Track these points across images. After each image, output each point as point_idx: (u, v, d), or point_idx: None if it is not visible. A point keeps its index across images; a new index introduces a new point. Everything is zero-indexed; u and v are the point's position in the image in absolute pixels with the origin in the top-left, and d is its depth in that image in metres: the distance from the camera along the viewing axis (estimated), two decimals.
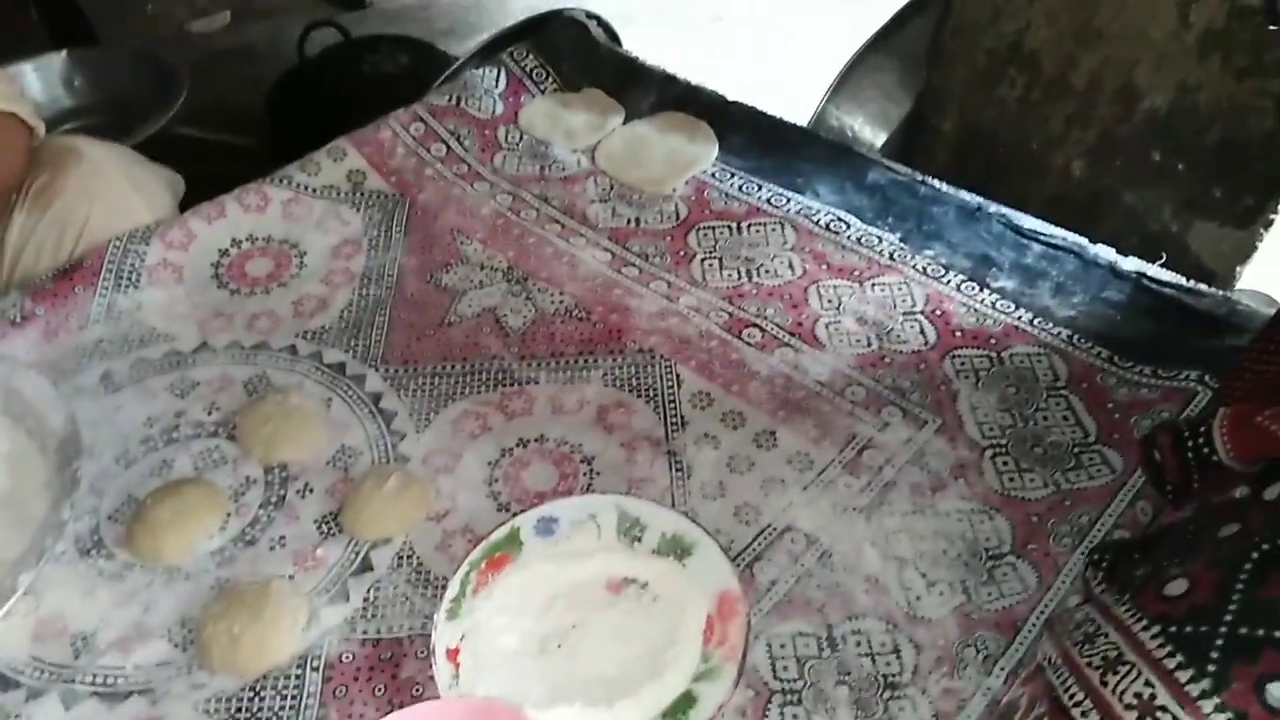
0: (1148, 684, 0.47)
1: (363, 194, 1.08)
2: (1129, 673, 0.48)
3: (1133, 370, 0.86)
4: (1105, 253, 0.96)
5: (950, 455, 0.80)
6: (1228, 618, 0.46)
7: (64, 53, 1.85)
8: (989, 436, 0.81)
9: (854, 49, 1.29)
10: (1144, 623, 0.49)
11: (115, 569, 0.75)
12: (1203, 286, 0.91)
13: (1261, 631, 0.45)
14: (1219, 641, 0.46)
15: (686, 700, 0.64)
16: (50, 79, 1.85)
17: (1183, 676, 0.46)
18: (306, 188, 1.07)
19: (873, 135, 1.27)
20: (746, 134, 1.15)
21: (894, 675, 0.66)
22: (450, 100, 1.18)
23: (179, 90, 1.70)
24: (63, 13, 2.08)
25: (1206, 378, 0.82)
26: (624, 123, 1.18)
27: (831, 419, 0.84)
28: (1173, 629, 0.47)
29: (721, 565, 0.69)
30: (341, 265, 1.01)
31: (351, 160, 1.11)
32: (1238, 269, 1.02)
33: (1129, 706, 0.47)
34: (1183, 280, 0.92)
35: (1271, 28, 0.43)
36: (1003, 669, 0.65)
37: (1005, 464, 0.79)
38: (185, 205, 1.09)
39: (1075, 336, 0.89)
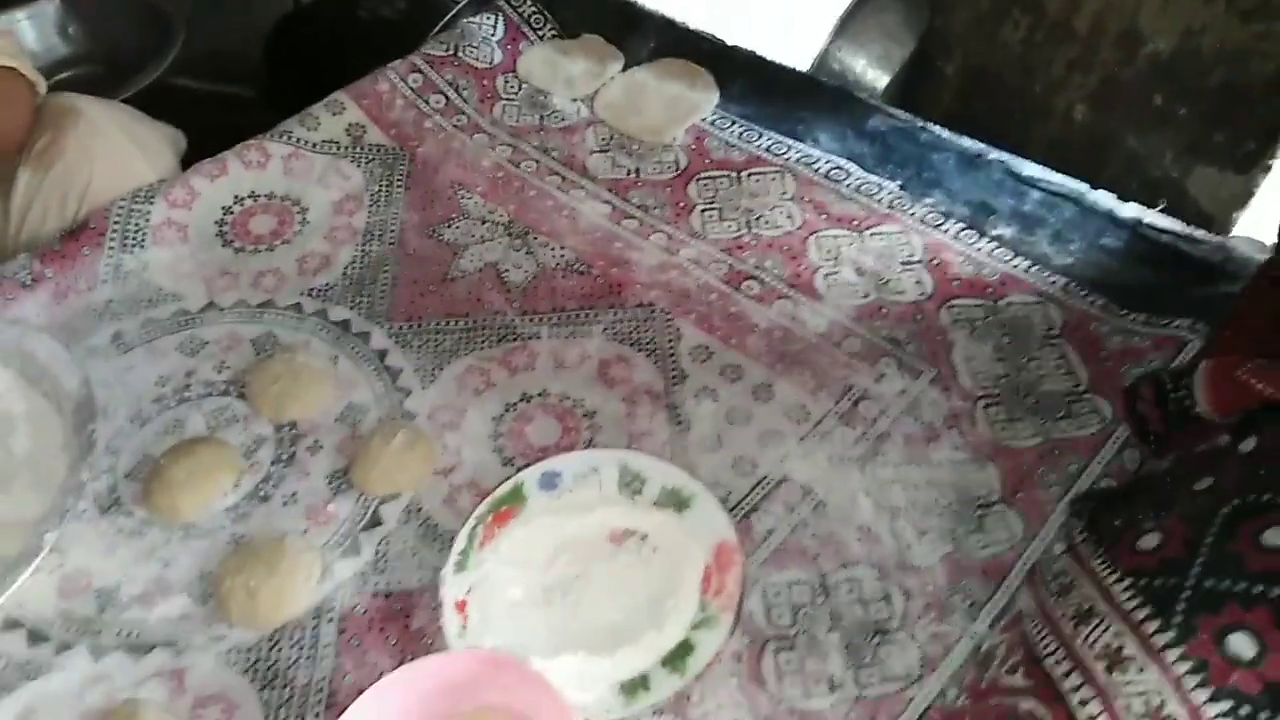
0: (1117, 634, 0.49)
1: (363, 148, 1.08)
2: (1100, 624, 0.50)
3: (1127, 318, 0.87)
4: (1104, 199, 0.96)
5: (944, 405, 0.82)
6: (1195, 570, 0.48)
7: None
8: (982, 386, 0.83)
9: None
10: (1116, 575, 0.51)
11: (134, 526, 0.77)
12: (1199, 233, 0.92)
13: (1227, 584, 0.47)
14: (1186, 593, 0.48)
15: (684, 648, 0.66)
16: (45, 26, 1.83)
17: (1150, 627, 0.48)
18: (306, 143, 1.07)
19: (875, 77, 1.26)
20: (747, 80, 1.14)
21: (884, 621, 0.69)
22: (448, 50, 1.18)
23: (175, 38, 1.68)
24: None
25: (1198, 325, 0.83)
26: (623, 69, 1.17)
27: (828, 370, 0.85)
28: (1143, 581, 0.49)
29: (719, 517, 0.71)
30: (344, 221, 1.01)
31: (351, 114, 1.11)
32: (1235, 215, 1.01)
33: (1098, 656, 0.49)
34: (1180, 227, 0.92)
35: None
36: (988, 615, 0.68)
37: (998, 413, 0.81)
38: (187, 159, 1.09)
39: (1071, 284, 0.90)
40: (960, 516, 0.74)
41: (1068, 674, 0.50)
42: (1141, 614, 0.48)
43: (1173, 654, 0.47)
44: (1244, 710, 0.45)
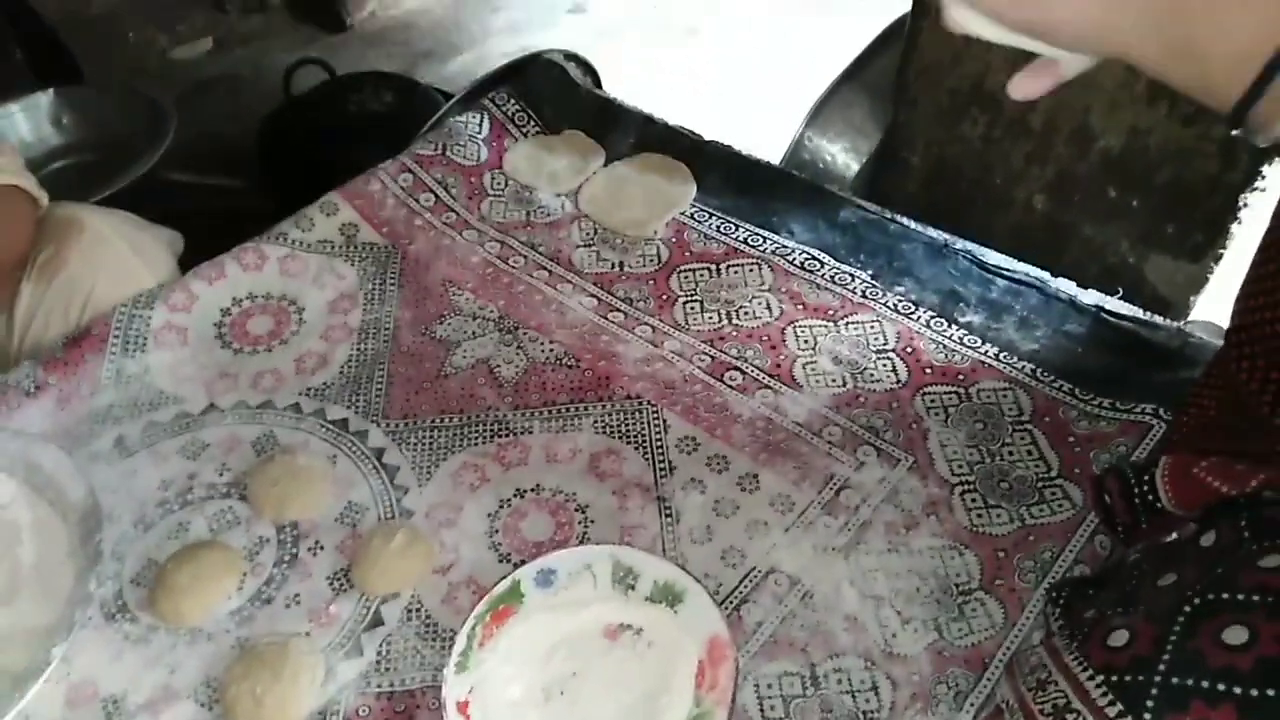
0: None
1: (356, 247, 1.12)
2: (1069, 713, 0.53)
3: (1093, 403, 0.91)
4: (1066, 286, 1.01)
5: (922, 493, 0.85)
6: (1161, 668, 0.51)
7: (51, 91, 1.87)
8: (958, 473, 0.87)
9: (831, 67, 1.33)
10: (1089, 672, 0.54)
11: (140, 632, 0.79)
12: (1158, 319, 0.96)
13: (1190, 681, 0.50)
14: (1154, 691, 0.51)
15: None
16: (38, 118, 1.88)
17: None
18: (301, 243, 1.11)
19: (846, 165, 1.32)
20: (723, 173, 1.19)
21: (873, 712, 0.71)
22: (436, 149, 1.22)
23: (167, 126, 1.73)
24: (46, 49, 2.10)
25: (1161, 411, 0.88)
26: (605, 164, 1.23)
27: (810, 460, 0.89)
28: (1114, 678, 0.52)
29: (710, 611, 0.74)
30: (339, 320, 1.05)
31: (344, 214, 1.15)
32: (1191, 299, 1.07)
33: None
34: (1140, 313, 0.97)
35: (1234, 133, 0.45)
36: (972, 705, 0.71)
37: (974, 500, 0.84)
38: (184, 249, 1.13)
39: (1039, 370, 0.94)
40: (942, 604, 0.77)
41: None
42: (1114, 710, 0.51)
43: None
44: None
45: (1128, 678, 0.52)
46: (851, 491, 0.86)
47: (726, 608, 0.77)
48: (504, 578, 0.76)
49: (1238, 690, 0.48)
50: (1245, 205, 1.00)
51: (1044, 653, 0.59)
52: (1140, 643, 0.53)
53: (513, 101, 1.29)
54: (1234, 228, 1.02)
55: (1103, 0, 0.44)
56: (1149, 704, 0.50)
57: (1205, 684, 0.49)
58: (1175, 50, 0.43)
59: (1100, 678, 0.53)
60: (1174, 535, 0.65)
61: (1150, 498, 0.66)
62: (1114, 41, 0.45)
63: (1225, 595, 0.52)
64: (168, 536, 0.85)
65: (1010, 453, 0.88)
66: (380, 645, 0.78)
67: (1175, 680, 0.50)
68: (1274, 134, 0.41)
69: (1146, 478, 0.66)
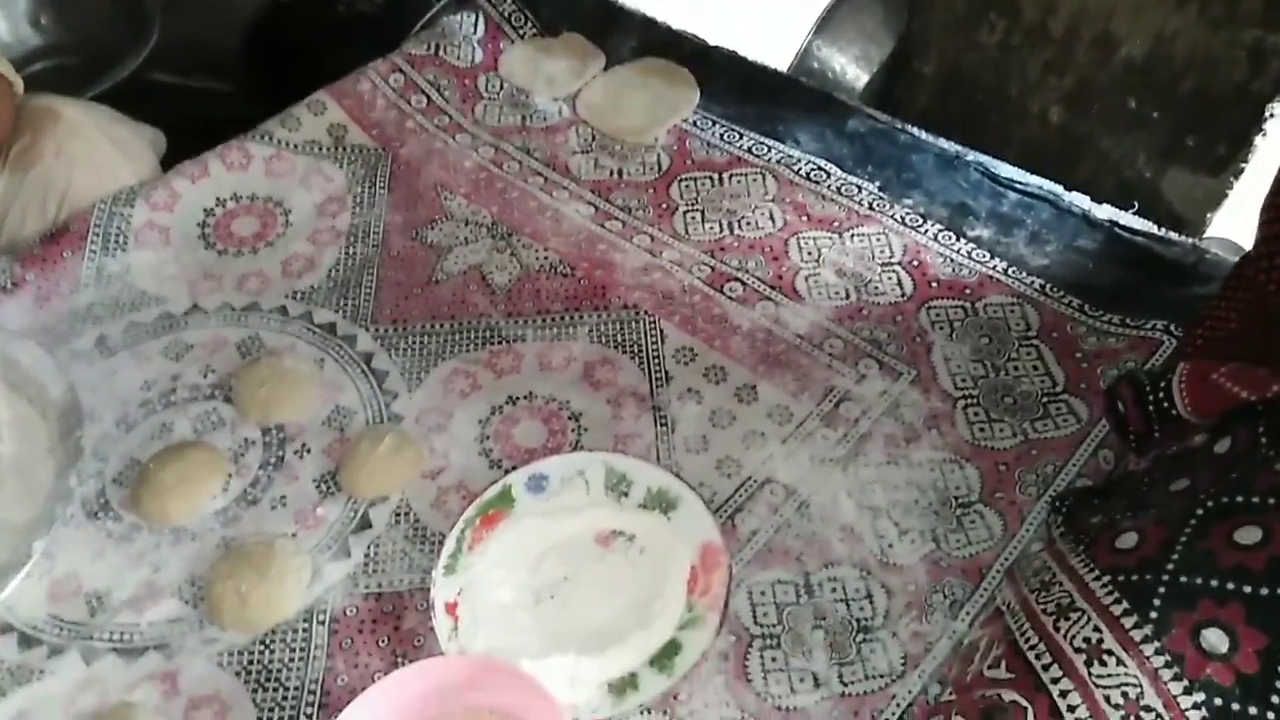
0: (1096, 629, 0.51)
1: (345, 149, 1.08)
2: (1079, 619, 0.52)
3: (1102, 319, 0.89)
4: (1079, 201, 0.98)
5: (924, 406, 0.83)
6: (1170, 567, 0.50)
7: None
8: (961, 387, 0.85)
9: None
10: (1095, 573, 0.53)
11: (123, 530, 0.78)
12: (1173, 235, 0.94)
13: (1199, 580, 0.49)
14: (1161, 590, 0.50)
15: (672, 648, 0.68)
16: (15, 17, 1.80)
17: (1127, 622, 0.50)
18: (288, 144, 1.07)
19: (855, 76, 1.27)
20: (728, 80, 1.15)
21: (867, 619, 0.70)
22: (429, 49, 1.17)
23: (150, 31, 1.66)
24: None
25: (1173, 327, 0.86)
26: (604, 69, 1.18)
27: (810, 372, 0.87)
28: (1121, 578, 0.51)
29: (704, 518, 0.73)
30: (327, 223, 1.01)
31: (332, 114, 1.10)
32: (1208, 215, 1.04)
33: (1078, 650, 0.51)
34: (1154, 229, 0.94)
35: None
36: (968, 614, 0.70)
37: (976, 414, 0.82)
38: (168, 155, 1.09)
39: (1048, 286, 0.92)
40: (940, 516, 0.76)
41: (1048, 666, 0.52)
42: (1119, 609, 0.50)
43: (1150, 648, 0.48)
44: (1217, 701, 0.47)
45: (1134, 577, 0.51)
46: (852, 404, 0.84)
47: (720, 516, 0.76)
48: (494, 482, 0.75)
49: (1247, 589, 0.47)
50: (1272, 115, 0.96)
51: (1047, 557, 0.58)
52: (1149, 544, 0.52)
53: (509, 1, 1.24)
54: (1258, 140, 0.98)
55: None
56: (1155, 602, 0.49)
57: (1214, 583, 0.48)
58: None
59: (1106, 578, 0.52)
60: (1181, 446, 0.63)
61: (1166, 405, 0.64)
62: None
63: (1240, 498, 0.50)
64: (150, 437, 0.83)
65: (1015, 368, 0.86)
66: (368, 547, 0.76)
67: (1184, 579, 0.49)
68: None
69: (1162, 385, 0.64)
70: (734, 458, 0.81)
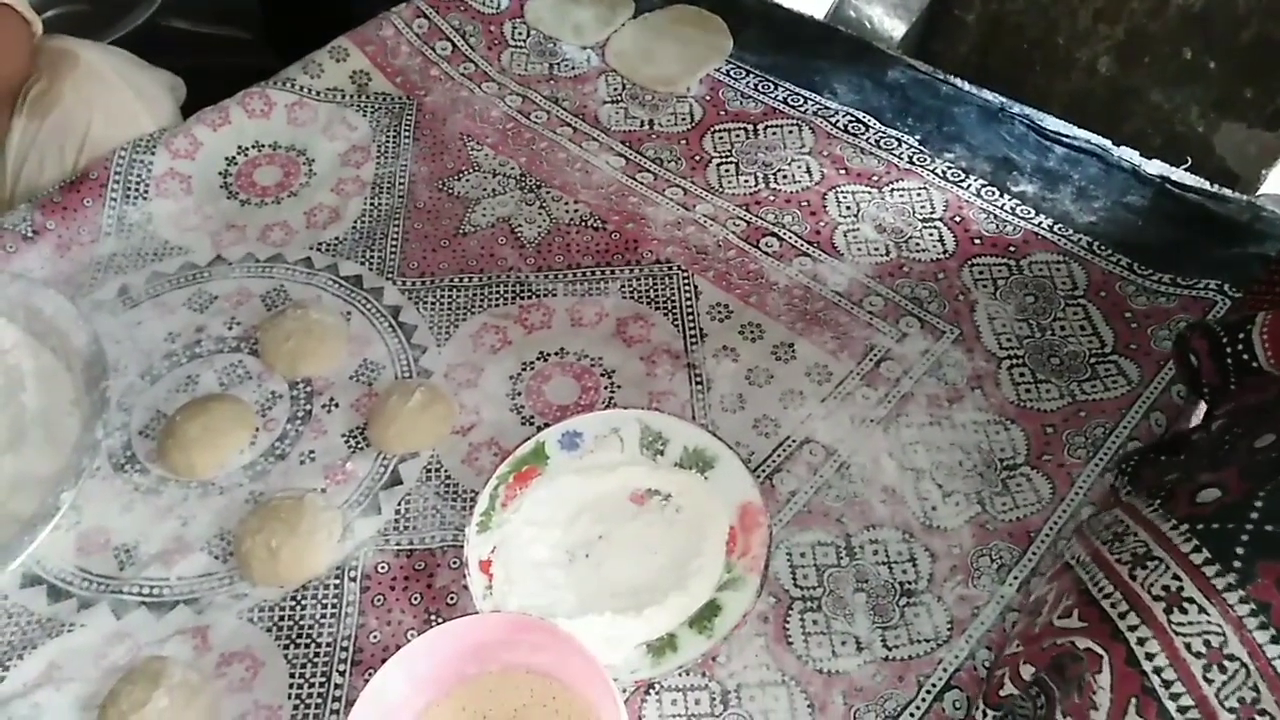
0: (1175, 577, 0.49)
1: (368, 97, 1.05)
2: (1157, 567, 0.50)
3: (1152, 278, 0.86)
4: (1129, 156, 0.95)
5: (967, 366, 0.81)
6: (1254, 516, 0.48)
7: None
8: (1006, 347, 0.82)
9: None
10: (1173, 522, 0.51)
11: (151, 484, 0.76)
12: (1227, 191, 0.90)
13: None
14: (1245, 538, 0.48)
15: (712, 609, 0.66)
16: None
17: (1209, 571, 0.48)
18: (310, 91, 1.04)
19: (892, 26, 1.23)
20: (762, 29, 1.11)
21: (910, 583, 0.69)
22: None
23: None
24: None
25: (1226, 287, 0.83)
26: (634, 15, 1.14)
27: (850, 330, 0.84)
28: (1200, 526, 0.49)
29: (743, 477, 0.71)
30: (351, 173, 0.99)
31: (355, 60, 1.07)
32: (1263, 171, 1.00)
33: (1156, 598, 0.49)
34: (1207, 185, 0.91)
35: None
36: (1016, 578, 0.68)
37: (1022, 375, 0.80)
38: (187, 103, 1.06)
39: (1095, 243, 0.89)
40: (985, 479, 0.74)
41: (1125, 614, 0.50)
42: (1199, 558, 0.48)
43: (1233, 596, 0.47)
44: None
45: (1215, 525, 0.49)
46: (893, 363, 0.82)
47: (759, 476, 0.74)
48: (527, 439, 0.73)
49: None
50: None
51: (1119, 511, 0.55)
52: (1231, 496, 0.50)
53: None
54: None
55: None
56: (1239, 550, 0.47)
57: None
58: None
59: (1185, 526, 0.50)
60: (1260, 400, 0.60)
61: (1245, 357, 0.61)
62: None
63: None
64: (176, 389, 0.82)
65: (1062, 327, 0.83)
66: (399, 504, 0.75)
67: (1269, 528, 0.47)
68: None
69: (1240, 336, 0.62)
70: (772, 417, 0.79)
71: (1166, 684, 0.47)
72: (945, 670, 0.64)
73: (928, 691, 0.64)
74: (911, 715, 0.63)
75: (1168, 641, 0.48)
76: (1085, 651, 0.50)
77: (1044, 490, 0.72)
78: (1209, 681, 0.46)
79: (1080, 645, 0.51)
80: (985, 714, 0.59)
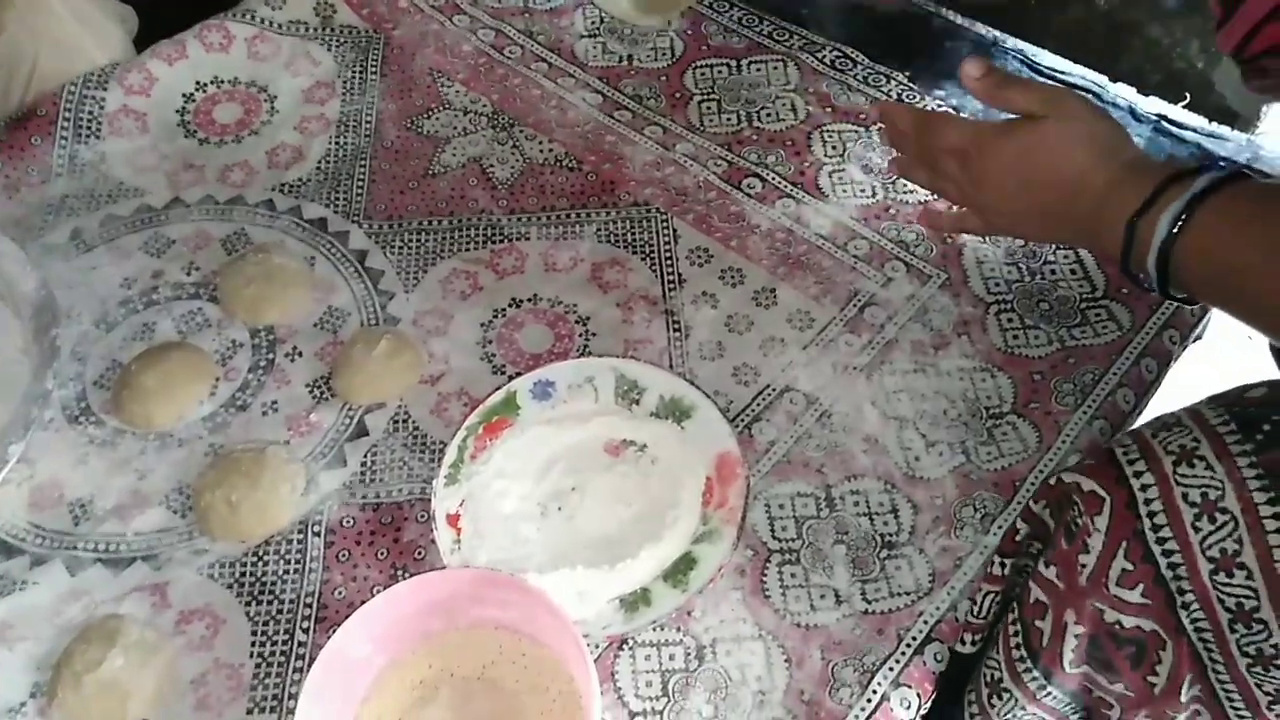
0: (1195, 440, 0.49)
1: (333, 30, 1.00)
2: (1180, 431, 0.50)
3: None
4: (1125, 93, 0.91)
5: (954, 311, 0.78)
6: None
7: None
8: (994, 292, 0.79)
9: None
10: (1213, 407, 0.51)
11: (106, 436, 0.74)
12: (1225, 130, 0.87)
13: None
14: (1275, 417, 0.48)
15: (687, 562, 0.64)
16: None
17: (1230, 438, 0.48)
18: (271, 23, 0.99)
19: None
20: None
21: (891, 535, 0.67)
22: None
23: None
24: None
25: None
26: None
27: (833, 275, 0.82)
28: (1237, 409, 0.49)
29: (720, 428, 0.68)
30: (315, 111, 0.94)
31: None
32: (1263, 109, 0.97)
33: (1169, 453, 0.49)
34: (1205, 123, 0.88)
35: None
36: (1000, 527, 0.66)
37: (1010, 320, 0.78)
38: (140, 35, 1.01)
39: None
40: (970, 427, 0.72)
41: (1133, 462, 0.51)
42: (1225, 428, 0.49)
43: (1244, 460, 0.47)
44: None
45: (1252, 410, 0.49)
46: (877, 308, 0.79)
47: (737, 426, 0.72)
48: (498, 389, 0.70)
49: None
50: None
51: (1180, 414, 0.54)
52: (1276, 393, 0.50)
53: None
54: None
55: (1045, 231, 0.67)
56: (1265, 427, 0.47)
57: None
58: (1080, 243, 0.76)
59: (1222, 407, 0.50)
60: None
61: None
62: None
63: None
64: (132, 337, 0.79)
65: (1052, 271, 0.80)
66: (365, 456, 0.72)
67: None
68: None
69: None
70: (751, 365, 0.76)
71: (1156, 528, 0.49)
72: (926, 623, 0.63)
73: (908, 645, 0.63)
74: (891, 669, 0.62)
75: (1167, 490, 0.49)
76: (1088, 494, 0.51)
77: (1030, 438, 0.70)
78: (1196, 530, 0.48)
79: (1085, 487, 0.52)
80: (1003, 565, 0.60)
